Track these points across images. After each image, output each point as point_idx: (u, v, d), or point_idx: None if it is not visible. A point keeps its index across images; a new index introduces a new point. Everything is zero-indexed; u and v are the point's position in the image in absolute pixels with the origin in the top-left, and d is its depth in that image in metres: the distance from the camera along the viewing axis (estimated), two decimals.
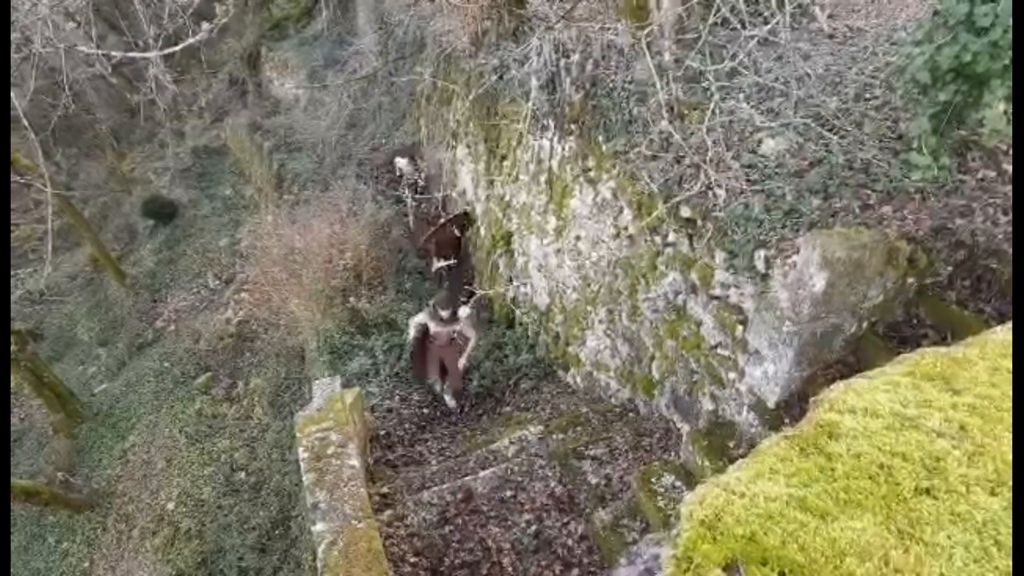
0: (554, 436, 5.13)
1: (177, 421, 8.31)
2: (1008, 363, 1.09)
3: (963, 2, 3.43)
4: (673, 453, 4.52)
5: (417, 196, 9.09)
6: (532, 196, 6.21)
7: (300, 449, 3.97)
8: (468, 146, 7.79)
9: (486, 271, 7.63)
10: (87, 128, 14.74)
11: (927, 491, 0.83)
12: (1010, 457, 0.88)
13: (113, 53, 5.02)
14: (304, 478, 3.81)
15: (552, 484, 4.64)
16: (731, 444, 3.89)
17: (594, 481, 4.57)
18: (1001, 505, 0.81)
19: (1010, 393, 1.01)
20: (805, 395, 3.69)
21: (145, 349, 9.92)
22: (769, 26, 5.07)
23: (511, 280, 6.99)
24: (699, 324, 4.23)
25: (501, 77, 6.66)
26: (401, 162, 9.39)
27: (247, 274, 9.65)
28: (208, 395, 8.51)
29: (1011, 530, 0.79)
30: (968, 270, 3.73)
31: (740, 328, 3.88)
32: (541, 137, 5.93)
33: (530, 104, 5.92)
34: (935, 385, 1.03)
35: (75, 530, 7.94)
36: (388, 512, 4.62)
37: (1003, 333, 1.19)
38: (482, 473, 4.87)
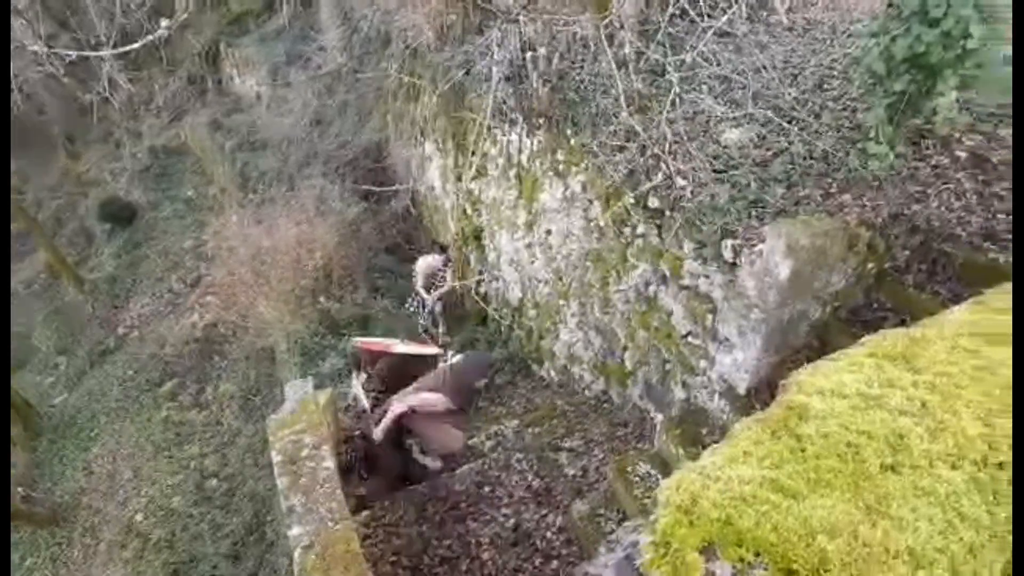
0: (530, 430, 5.15)
1: (143, 430, 8.09)
2: (965, 341, 1.13)
3: None
4: (648, 442, 4.58)
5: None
6: (502, 191, 6.21)
7: (273, 453, 3.90)
8: (436, 142, 7.74)
9: (457, 268, 7.59)
10: (39, 129, 14.18)
11: (892, 467, 0.86)
12: (971, 432, 0.92)
13: (65, 52, 4.83)
14: (278, 482, 3.75)
15: (529, 477, 4.66)
16: (704, 431, 3.97)
17: (571, 473, 4.61)
18: (962, 478, 0.85)
19: (968, 370, 1.05)
20: (774, 380, 3.78)
21: (107, 357, 9.61)
22: (726, 17, 5.15)
23: (482, 276, 6.98)
24: (670, 314, 4.29)
25: (468, 72, 6.62)
26: (427, 264, 7.03)
27: (213, 276, 9.41)
28: (175, 402, 8.30)
29: (982, 504, 0.82)
30: (924, 254, 3.85)
31: (710, 317, 3.95)
32: (509, 131, 5.92)
33: (498, 99, 5.91)
34: (897, 365, 1.07)
35: (39, 546, 7.66)
36: (365, 513, 4.58)
37: (959, 313, 1.24)
38: (459, 470, 4.86)
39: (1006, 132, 4.05)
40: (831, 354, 3.38)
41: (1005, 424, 0.93)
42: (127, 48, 3.99)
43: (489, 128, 6.26)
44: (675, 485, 0.87)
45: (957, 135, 4.03)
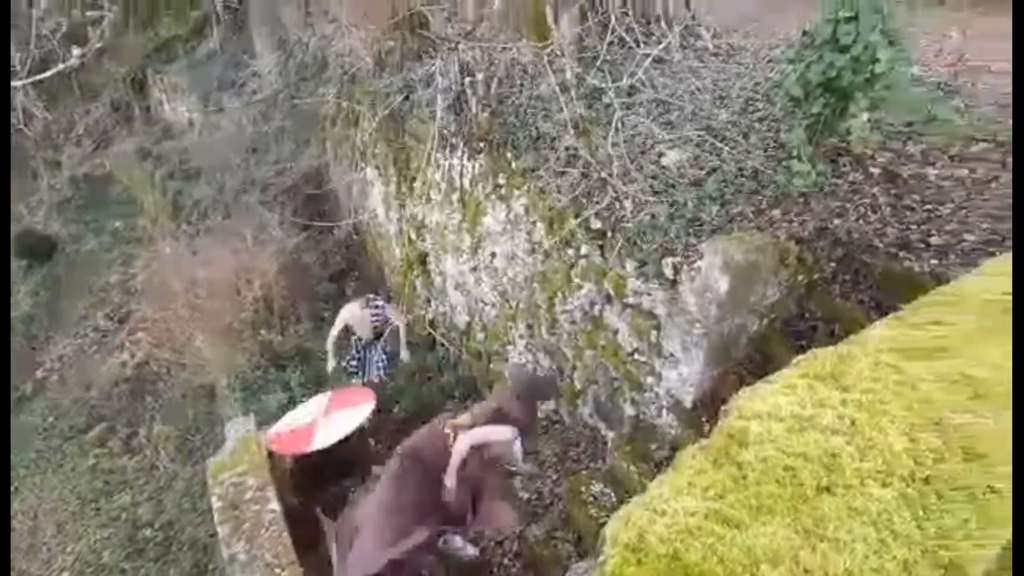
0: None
1: (67, 481, 7.51)
2: (886, 357, 1.19)
3: (828, 23, 3.78)
4: (600, 460, 4.60)
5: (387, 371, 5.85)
6: (445, 215, 6.19)
7: (213, 498, 3.70)
8: (377, 167, 7.67)
9: (404, 293, 7.50)
10: None
11: (827, 488, 0.88)
12: (897, 447, 0.96)
13: None
14: (219, 529, 3.55)
15: None
16: (654, 447, 4.03)
17: (524, 497, 4.57)
18: (892, 495, 0.88)
19: (891, 386, 1.10)
20: (718, 393, 3.89)
21: (24, 404, 8.91)
22: (663, 44, 5.37)
23: (429, 301, 6.91)
24: (615, 332, 4.36)
25: (407, 97, 6.62)
26: (353, 314, 5.59)
27: (144, 312, 8.93)
28: (104, 448, 7.76)
29: (913, 520, 0.85)
30: (847, 265, 4.06)
31: (654, 333, 4.04)
32: (451, 156, 5.94)
33: (437, 124, 5.93)
34: (827, 384, 1.11)
35: None
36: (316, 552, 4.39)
37: (880, 329, 1.30)
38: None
39: (915, 149, 4.36)
40: (770, 365, 3.50)
41: (928, 439, 0.98)
42: (38, 77, 3.78)
43: (430, 153, 6.27)
44: (623, 521, 0.87)
45: (870, 153, 4.30)
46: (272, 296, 7.24)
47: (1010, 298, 1.36)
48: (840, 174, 4.37)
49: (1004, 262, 1.66)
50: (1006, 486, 0.92)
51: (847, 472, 0.90)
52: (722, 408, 1.10)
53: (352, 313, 5.45)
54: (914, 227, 3.92)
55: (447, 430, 3.22)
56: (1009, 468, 0.95)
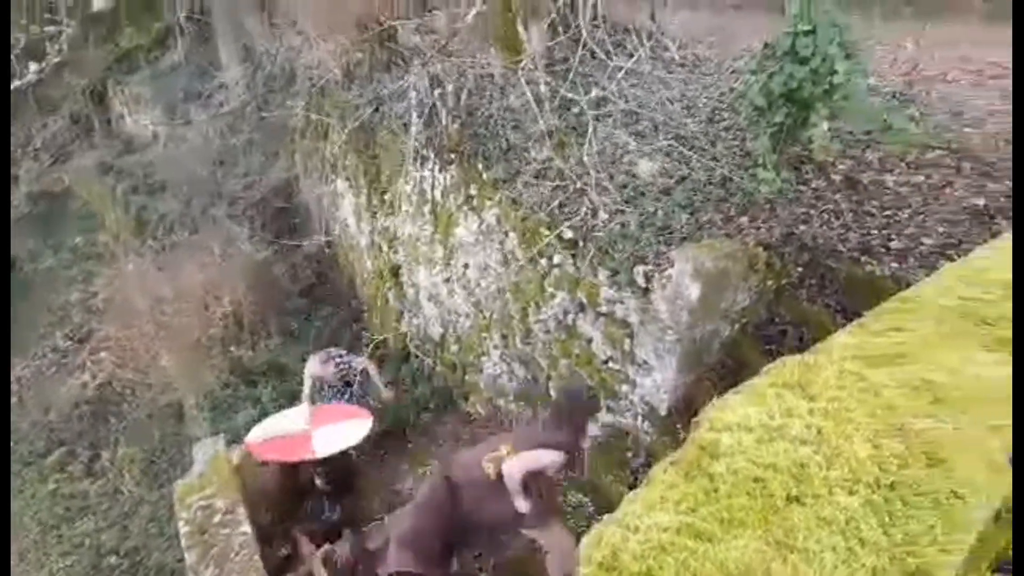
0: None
1: (27, 508, 7.19)
2: (850, 365, 1.21)
3: (787, 36, 3.89)
4: (578, 470, 4.59)
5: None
6: (417, 227, 6.16)
7: (180, 523, 3.58)
8: (348, 179, 7.59)
9: (376, 306, 7.42)
10: None
11: (796, 499, 0.89)
12: (862, 455, 0.98)
13: None
14: (187, 556, 3.44)
15: None
16: (630, 454, 4.04)
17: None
18: (858, 503, 0.89)
19: (855, 393, 1.12)
20: (692, 399, 3.92)
21: None
22: (635, 58, 5.44)
23: (402, 313, 6.85)
24: (589, 341, 4.38)
25: (377, 109, 6.58)
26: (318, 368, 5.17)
27: (106, 331, 8.64)
28: (64, 472, 7.46)
29: (879, 527, 0.87)
30: (813, 270, 4.16)
31: (628, 341, 4.07)
32: (422, 168, 5.91)
33: (408, 135, 5.91)
34: (794, 393, 1.12)
35: None
36: (290, 575, 4.29)
37: (844, 336, 1.33)
38: (387, 517, 4.66)
39: (873, 156, 4.50)
40: (743, 370, 3.55)
41: (892, 445, 1.00)
42: None
43: (401, 164, 6.24)
44: (596, 540, 0.86)
45: (832, 160, 4.42)
46: (242, 311, 7.10)
47: (966, 303, 1.40)
48: (804, 181, 4.48)
49: (961, 267, 1.72)
50: (969, 491, 0.94)
51: (815, 481, 0.91)
52: (694, 419, 1.11)
53: (315, 370, 5.18)
54: (875, 232, 4.03)
55: (485, 464, 3.03)
56: (970, 472, 0.97)
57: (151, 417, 7.57)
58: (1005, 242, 1.90)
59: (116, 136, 13.15)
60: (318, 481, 4.75)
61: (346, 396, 5.37)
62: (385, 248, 6.96)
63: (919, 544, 0.84)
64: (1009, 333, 1.27)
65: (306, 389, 5.23)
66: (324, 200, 8.34)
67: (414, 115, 5.63)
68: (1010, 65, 5.54)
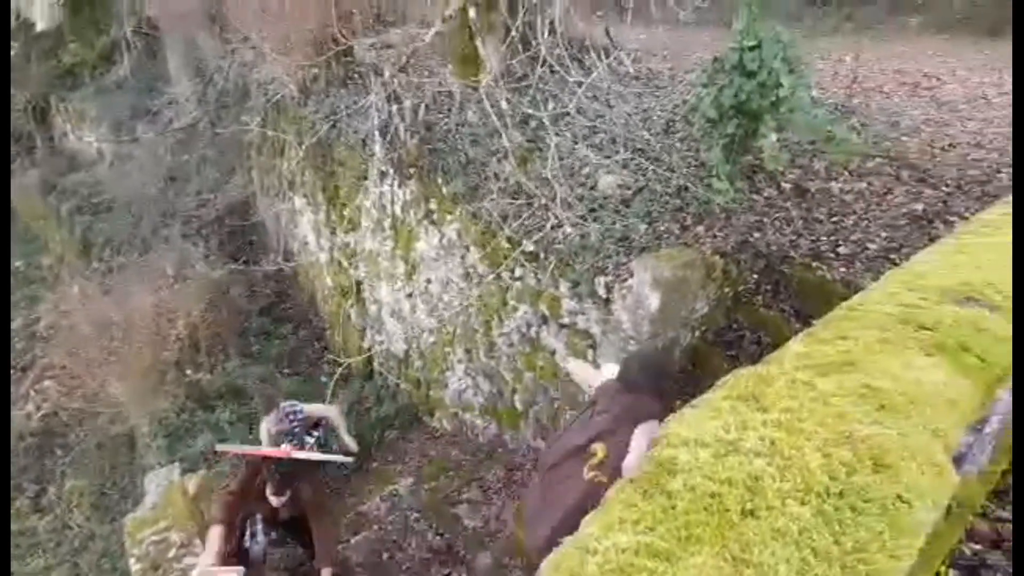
0: (426, 486, 4.98)
1: None
2: (801, 374, 1.24)
3: (735, 50, 4.01)
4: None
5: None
6: (378, 242, 6.09)
7: (131, 561, 3.41)
8: (306, 196, 7.48)
9: (338, 323, 7.30)
10: None
11: (751, 512, 0.90)
12: (813, 465, 1.00)
13: None
14: None
15: (429, 537, 4.48)
16: None
17: (471, 525, 4.49)
18: (810, 513, 0.91)
19: (806, 403, 1.15)
20: None
21: None
22: (594, 74, 5.51)
23: (364, 330, 6.75)
24: (553, 352, 4.39)
25: (335, 125, 6.52)
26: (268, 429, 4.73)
27: (50, 359, 8.24)
28: (11, 508, 7.06)
29: (831, 536, 0.89)
30: (768, 276, 4.27)
31: (591, 352, 4.09)
32: (381, 183, 5.87)
33: (367, 151, 5.86)
34: (748, 405, 1.14)
35: None
36: None
37: (795, 346, 1.36)
38: (354, 539, 4.56)
39: (820, 165, 4.67)
40: (704, 377, 3.59)
41: (840, 453, 1.02)
42: None
43: (360, 180, 6.17)
44: (555, 565, 0.86)
45: (781, 170, 4.56)
46: (198, 334, 6.87)
47: (906, 309, 1.46)
48: (756, 190, 4.62)
49: (903, 273, 1.79)
50: (914, 495, 0.97)
51: (769, 494, 0.93)
52: (651, 439, 1.12)
53: (270, 430, 4.79)
54: (824, 238, 4.17)
55: (593, 476, 2.73)
56: (915, 477, 1.00)
57: (100, 447, 7.24)
58: (944, 246, 1.98)
59: (59, 154, 12.67)
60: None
61: (308, 446, 4.85)
62: (346, 264, 6.87)
63: (868, 551, 0.86)
64: (945, 337, 1.33)
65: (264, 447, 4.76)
66: (282, 217, 8.19)
67: (372, 131, 5.58)
68: (941, 76, 5.86)
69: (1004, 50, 6.82)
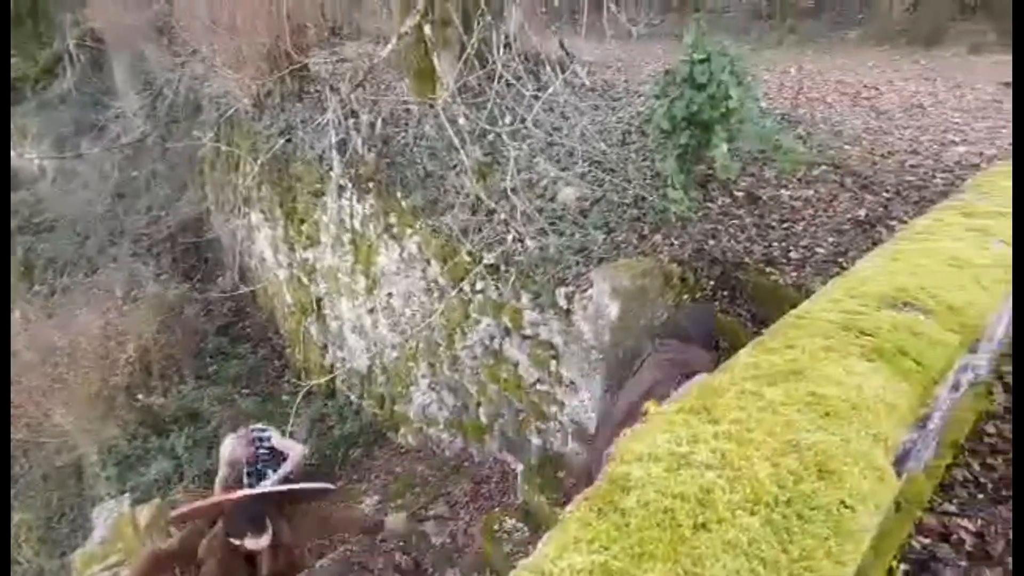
0: (392, 503, 4.90)
1: None
2: (749, 384, 1.27)
3: (685, 63, 4.12)
4: (512, 495, 4.57)
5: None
6: (337, 257, 6.01)
7: None
8: (263, 211, 7.33)
9: (298, 341, 7.15)
10: None
11: (703, 526, 0.92)
12: (761, 475, 1.02)
13: None
14: None
15: (397, 556, 4.40)
16: (562, 475, 4.06)
17: (439, 542, 4.44)
18: (759, 523, 0.93)
19: (754, 413, 1.17)
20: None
21: None
22: (551, 88, 5.58)
23: (326, 347, 6.63)
24: (516, 364, 4.39)
25: (291, 139, 6.42)
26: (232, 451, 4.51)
27: None
28: None
29: (779, 545, 0.90)
30: (724, 282, 4.37)
31: (554, 363, 4.11)
32: (340, 197, 5.79)
33: (324, 166, 5.78)
34: (700, 417, 1.16)
35: None
36: None
37: (745, 356, 1.40)
38: (319, 563, 4.45)
39: (770, 173, 4.82)
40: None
41: (788, 461, 1.05)
42: None
43: (318, 195, 6.09)
44: None
45: (733, 178, 4.69)
46: (150, 357, 6.62)
47: (848, 316, 1.52)
48: (710, 198, 4.73)
49: (846, 279, 1.85)
50: (857, 500, 1.00)
51: (720, 506, 0.94)
52: (605, 453, 1.13)
53: (235, 452, 4.49)
54: (776, 244, 4.29)
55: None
56: (857, 481, 1.04)
57: (47, 479, 6.88)
58: (883, 252, 2.06)
59: None
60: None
61: (269, 482, 4.51)
62: (305, 280, 6.74)
63: (815, 558, 0.89)
64: (883, 343, 1.39)
65: (221, 475, 4.46)
66: (238, 233, 7.99)
67: (330, 145, 5.52)
68: (880, 86, 6.14)
69: (939, 60, 7.22)
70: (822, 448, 1.07)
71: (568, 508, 0.99)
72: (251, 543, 3.14)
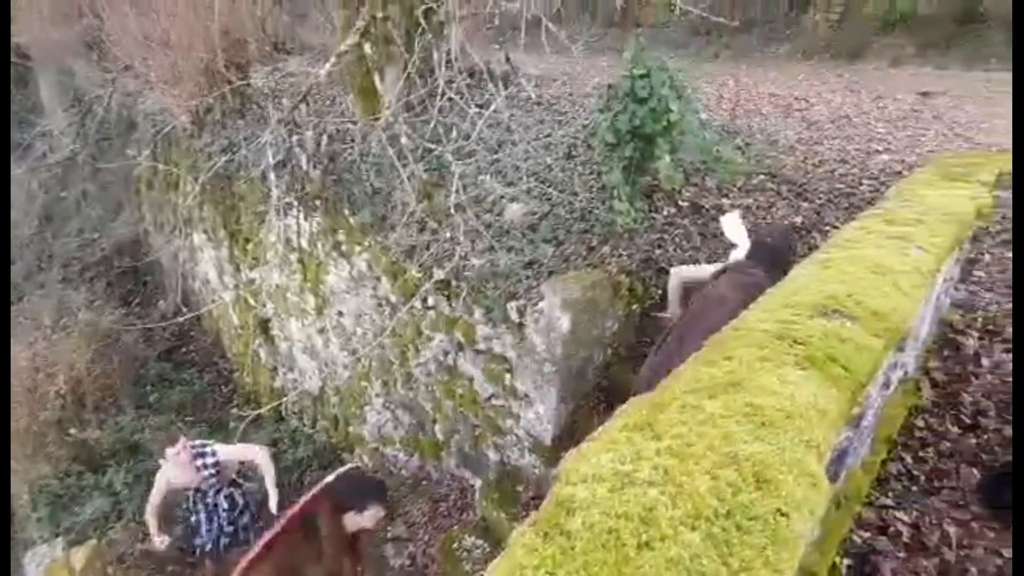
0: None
1: None
2: (690, 398, 1.30)
3: (627, 78, 4.23)
4: (471, 512, 4.53)
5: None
6: (285, 277, 5.86)
7: None
8: (206, 231, 7.08)
9: (247, 363, 6.92)
10: None
11: (647, 544, 0.93)
12: (702, 489, 1.04)
13: None
14: None
15: None
16: (520, 489, 4.06)
17: (398, 564, 4.35)
18: (700, 538, 0.95)
19: (695, 427, 1.20)
20: (575, 426, 4.04)
21: None
22: (494, 106, 5.60)
23: (275, 369, 6.44)
24: (471, 379, 4.37)
25: (233, 157, 6.23)
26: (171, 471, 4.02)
27: None
28: None
29: (719, 558, 0.92)
30: None
31: (508, 376, 4.11)
32: (286, 215, 5.65)
33: (268, 184, 5.64)
34: (643, 434, 1.18)
35: None
36: None
37: (687, 370, 1.43)
38: None
39: (712, 183, 4.98)
40: (619, 392, 3.69)
41: (727, 474, 1.08)
42: None
43: (264, 213, 5.93)
44: None
45: (677, 189, 4.83)
46: (83, 388, 6.27)
47: (782, 325, 1.57)
48: (656, 209, 4.85)
49: (779, 289, 1.92)
50: (792, 507, 1.03)
51: (663, 523, 0.96)
52: (552, 474, 1.13)
53: (176, 480, 3.94)
54: (720, 251, 4.43)
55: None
56: (793, 489, 1.07)
57: None
58: (814, 260, 2.15)
59: None
60: None
61: (221, 500, 4.06)
62: (252, 301, 6.54)
63: (753, 568, 0.91)
64: (815, 351, 1.45)
65: (155, 500, 3.88)
66: (180, 255, 7.70)
67: (272, 163, 5.39)
68: (809, 98, 6.45)
69: (862, 74, 7.65)
70: (759, 458, 1.10)
71: (513, 534, 0.99)
72: (365, 517, 2.83)
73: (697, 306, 3.03)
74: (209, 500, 4.16)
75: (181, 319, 6.41)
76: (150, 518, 3.97)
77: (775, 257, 2.85)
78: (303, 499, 2.75)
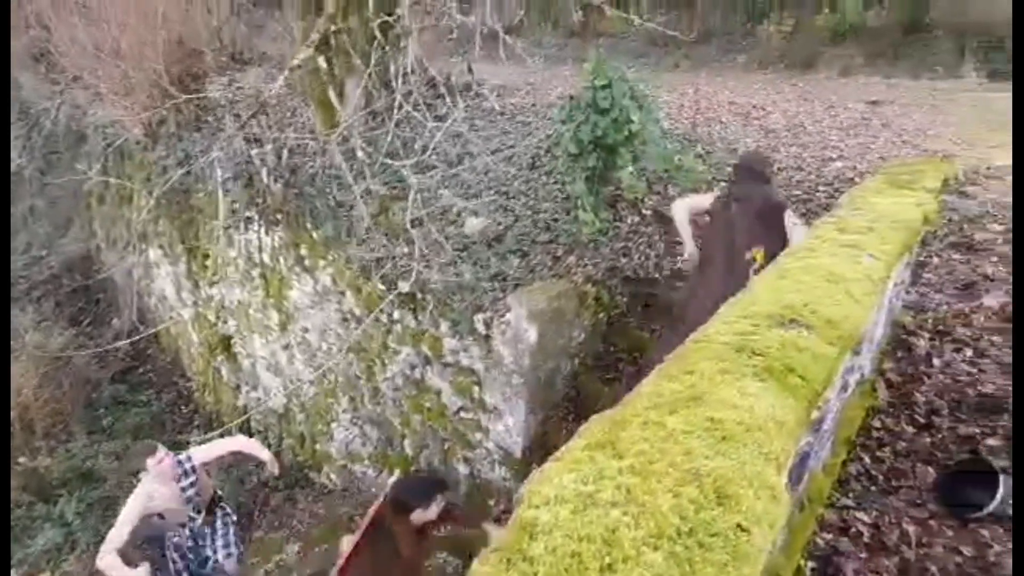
0: (316, 549, 4.65)
1: None
2: (652, 414, 1.30)
3: (588, 89, 4.28)
4: (441, 527, 4.47)
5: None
6: (247, 293, 5.72)
7: None
8: (162, 247, 6.87)
9: (208, 382, 6.71)
10: None
11: (609, 567, 0.92)
12: (664, 507, 1.04)
13: None
14: None
15: None
16: (491, 502, 4.02)
17: None
18: (662, 557, 0.95)
19: (657, 444, 1.20)
20: (545, 437, 4.04)
21: None
22: (452, 119, 5.58)
23: (238, 387, 6.26)
24: (439, 393, 4.33)
25: (189, 171, 6.06)
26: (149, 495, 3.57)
27: None
28: None
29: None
30: (638, 299, 4.53)
31: (476, 389, 4.08)
32: (246, 230, 5.53)
33: (228, 197, 5.49)
34: (605, 453, 1.18)
35: None
36: None
37: (647, 385, 1.43)
38: None
39: (674, 191, 5.06)
40: (587, 401, 3.70)
41: (689, 490, 1.08)
42: None
43: (224, 228, 5.77)
44: None
45: (640, 198, 4.89)
46: (31, 414, 5.98)
47: (741, 337, 1.60)
48: (620, 218, 4.90)
49: (738, 300, 1.95)
50: (752, 522, 1.04)
51: (625, 545, 0.95)
52: (514, 497, 1.12)
53: (154, 487, 3.52)
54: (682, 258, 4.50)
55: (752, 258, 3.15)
56: (753, 503, 1.08)
57: None
58: (772, 270, 2.19)
59: None
60: None
61: (211, 527, 3.80)
62: (213, 318, 6.36)
63: None
64: (773, 361, 1.47)
65: (123, 532, 3.35)
66: (135, 272, 7.43)
67: (223, 178, 5.25)
68: (766, 107, 6.62)
69: (814, 83, 7.89)
70: (720, 473, 1.11)
71: (475, 561, 0.97)
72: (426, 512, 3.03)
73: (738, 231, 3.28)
74: (197, 536, 3.82)
75: (137, 337, 6.18)
76: (110, 557, 3.28)
77: (758, 173, 3.35)
78: (371, 510, 3.12)
